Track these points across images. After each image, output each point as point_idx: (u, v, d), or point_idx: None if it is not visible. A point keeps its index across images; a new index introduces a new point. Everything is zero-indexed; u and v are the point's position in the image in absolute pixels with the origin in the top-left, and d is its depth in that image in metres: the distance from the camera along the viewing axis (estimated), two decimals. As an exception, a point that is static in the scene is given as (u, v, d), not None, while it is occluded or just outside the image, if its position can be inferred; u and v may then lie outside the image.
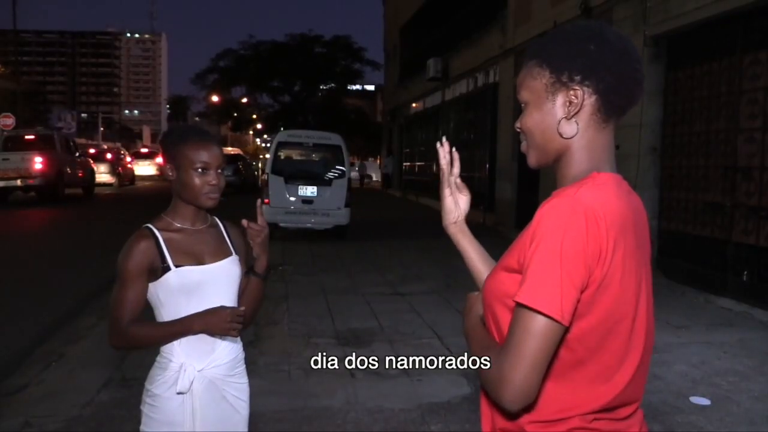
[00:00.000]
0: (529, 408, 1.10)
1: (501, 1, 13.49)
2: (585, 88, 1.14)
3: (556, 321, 1.02)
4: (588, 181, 1.12)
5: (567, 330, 1.06)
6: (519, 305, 1.05)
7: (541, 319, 1.02)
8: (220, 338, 1.83)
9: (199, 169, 1.80)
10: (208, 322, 1.74)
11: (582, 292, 1.05)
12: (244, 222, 1.89)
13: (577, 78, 1.14)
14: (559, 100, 1.16)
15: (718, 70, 6.96)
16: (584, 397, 1.10)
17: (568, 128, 1.16)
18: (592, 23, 1.20)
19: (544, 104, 1.18)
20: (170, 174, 1.84)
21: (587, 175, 1.14)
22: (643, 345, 1.15)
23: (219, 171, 1.84)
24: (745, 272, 6.47)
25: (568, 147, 1.18)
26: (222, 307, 1.76)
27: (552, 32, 1.22)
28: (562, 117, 1.16)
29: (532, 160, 1.24)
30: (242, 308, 1.78)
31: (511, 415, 1.13)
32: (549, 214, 1.06)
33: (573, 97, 1.15)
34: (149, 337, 1.79)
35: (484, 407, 1.23)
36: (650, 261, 1.22)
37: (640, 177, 7.83)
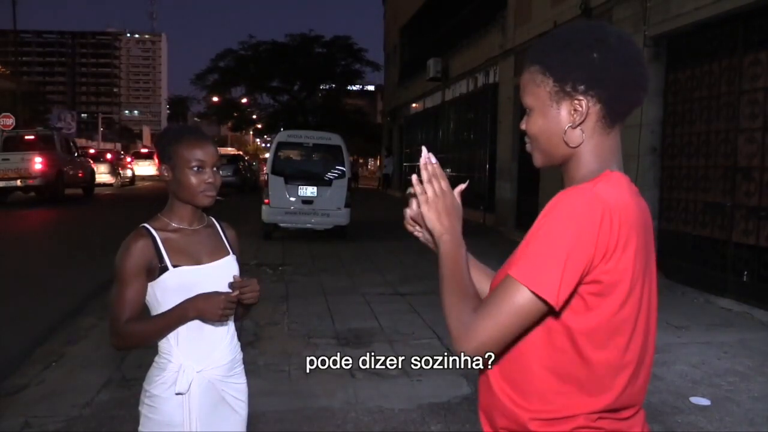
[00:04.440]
0: (533, 407, 1.11)
1: (501, 1, 13.48)
2: (589, 98, 1.14)
3: (543, 300, 1.04)
4: (603, 178, 1.13)
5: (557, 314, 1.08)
6: (513, 279, 1.06)
7: (528, 295, 1.04)
8: (216, 324, 1.82)
9: (195, 168, 1.80)
10: (201, 308, 1.73)
11: (579, 284, 1.06)
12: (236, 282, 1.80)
13: (581, 87, 1.14)
14: (564, 109, 1.16)
15: (718, 70, 6.96)
16: (589, 396, 1.11)
17: (574, 136, 1.17)
18: (594, 26, 1.19)
19: (549, 111, 1.18)
20: (166, 174, 1.84)
21: (598, 174, 1.15)
22: (642, 344, 1.15)
23: (215, 169, 1.85)
24: (745, 272, 6.46)
25: (574, 152, 1.18)
26: (216, 293, 1.75)
27: (553, 35, 1.21)
28: (567, 126, 1.17)
29: (538, 162, 1.25)
30: (235, 293, 1.76)
31: (514, 415, 1.13)
32: (565, 201, 1.07)
33: (578, 107, 1.15)
34: (146, 331, 1.78)
35: (483, 407, 1.22)
36: (655, 262, 1.22)
37: (640, 177, 7.83)
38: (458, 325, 1.10)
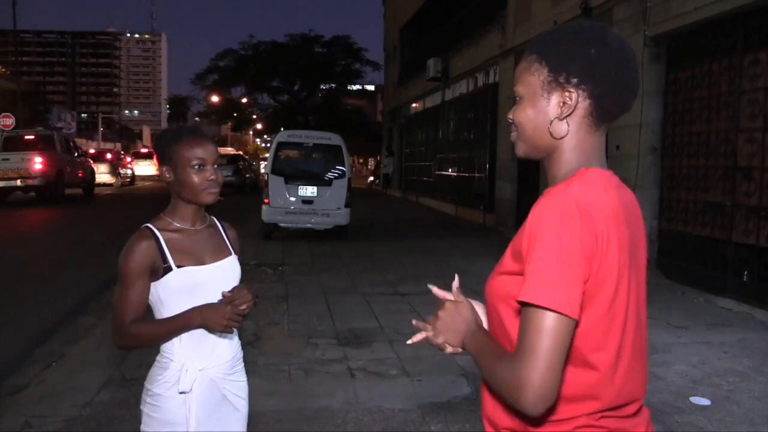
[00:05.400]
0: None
1: (501, 1, 13.48)
2: (580, 92, 1.16)
3: (566, 316, 1.02)
4: (576, 177, 1.14)
5: (577, 324, 1.06)
6: (525, 305, 1.05)
7: (550, 315, 1.02)
8: (219, 335, 1.83)
9: (196, 166, 1.81)
10: (206, 318, 1.73)
11: (585, 284, 1.05)
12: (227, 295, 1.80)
13: (574, 80, 1.15)
14: (554, 99, 1.17)
15: (718, 70, 6.96)
16: (590, 396, 1.11)
17: (559, 128, 1.18)
18: (596, 25, 1.20)
19: (539, 101, 1.19)
20: (168, 176, 1.84)
21: (576, 172, 1.16)
22: (636, 338, 1.15)
23: (215, 166, 1.85)
24: (745, 272, 6.47)
25: (557, 146, 1.19)
26: (223, 304, 1.76)
27: (555, 29, 1.23)
28: (554, 117, 1.18)
29: (521, 152, 1.26)
30: (243, 307, 1.77)
31: (524, 417, 1.11)
32: (542, 212, 1.08)
33: (567, 99, 1.16)
34: (151, 334, 1.79)
35: (486, 407, 1.22)
36: (646, 253, 1.23)
37: (640, 177, 7.83)
38: (508, 381, 1.05)
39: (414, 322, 1.34)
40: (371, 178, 35.50)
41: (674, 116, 7.78)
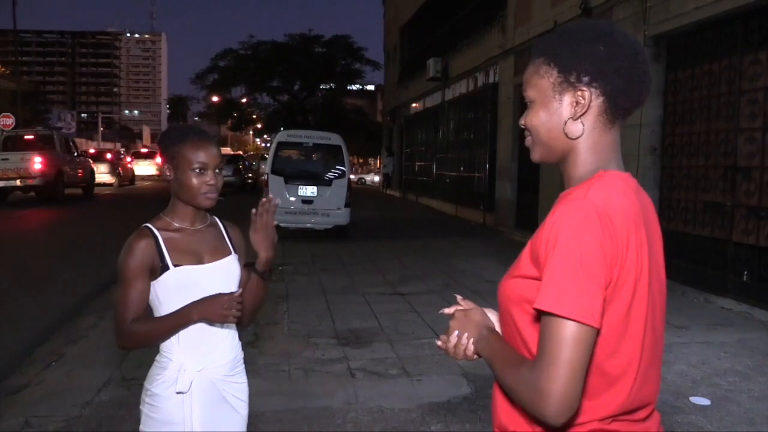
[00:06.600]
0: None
1: (501, 1, 13.48)
2: (593, 90, 1.14)
3: (588, 325, 1.00)
4: (595, 180, 1.12)
5: (598, 332, 1.04)
6: (544, 314, 1.03)
7: (572, 325, 1.00)
8: (220, 327, 1.82)
9: (197, 170, 1.80)
10: (205, 311, 1.72)
11: (605, 290, 1.04)
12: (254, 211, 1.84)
13: (585, 79, 1.14)
14: (566, 100, 1.16)
15: (718, 70, 6.96)
16: (601, 401, 1.09)
17: (574, 129, 1.16)
18: (601, 22, 1.19)
19: (551, 103, 1.17)
20: (168, 174, 1.84)
21: (594, 175, 1.14)
22: (652, 343, 1.14)
23: (217, 171, 1.84)
24: (745, 272, 6.47)
25: (573, 147, 1.17)
26: (219, 294, 1.75)
27: (560, 30, 1.21)
28: (568, 117, 1.16)
29: (536, 156, 1.24)
30: (239, 291, 1.75)
31: (536, 422, 1.10)
32: (562, 218, 1.06)
33: (580, 98, 1.14)
34: (150, 332, 1.77)
35: (498, 412, 1.22)
36: (663, 256, 1.21)
37: (640, 177, 7.82)
38: (528, 390, 1.03)
39: (438, 343, 1.36)
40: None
41: (674, 116, 7.78)
